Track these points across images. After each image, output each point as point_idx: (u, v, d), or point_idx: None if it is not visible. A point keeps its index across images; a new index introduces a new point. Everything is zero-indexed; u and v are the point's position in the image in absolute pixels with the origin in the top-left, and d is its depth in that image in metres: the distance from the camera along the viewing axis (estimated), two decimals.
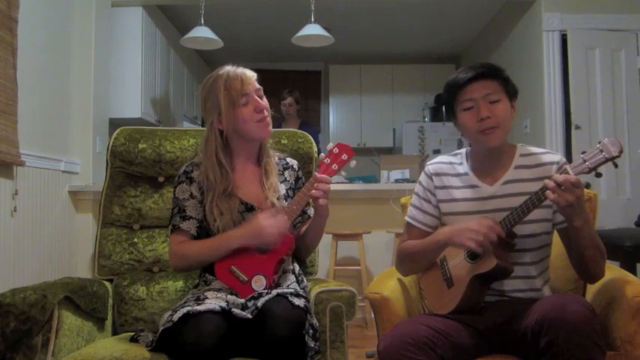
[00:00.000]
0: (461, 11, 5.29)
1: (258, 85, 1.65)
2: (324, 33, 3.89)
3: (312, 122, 6.15)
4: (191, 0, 4.27)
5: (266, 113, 1.64)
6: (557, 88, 4.14)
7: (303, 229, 1.69)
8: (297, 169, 1.78)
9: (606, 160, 1.25)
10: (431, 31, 5.90)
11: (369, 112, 6.84)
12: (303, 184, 1.68)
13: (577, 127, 4.00)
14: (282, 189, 1.69)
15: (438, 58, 6.84)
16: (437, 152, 5.76)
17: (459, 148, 1.66)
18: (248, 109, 1.60)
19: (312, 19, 3.91)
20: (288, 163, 1.77)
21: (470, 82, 1.46)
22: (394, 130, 6.68)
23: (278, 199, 1.63)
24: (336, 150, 1.55)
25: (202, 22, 4.01)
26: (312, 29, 3.87)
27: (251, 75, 1.64)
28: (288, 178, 1.74)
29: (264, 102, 1.65)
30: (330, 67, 6.90)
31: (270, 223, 1.50)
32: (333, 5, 4.72)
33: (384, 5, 5.07)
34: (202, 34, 3.95)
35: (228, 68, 1.64)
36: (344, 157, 1.54)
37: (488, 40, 5.66)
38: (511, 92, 1.49)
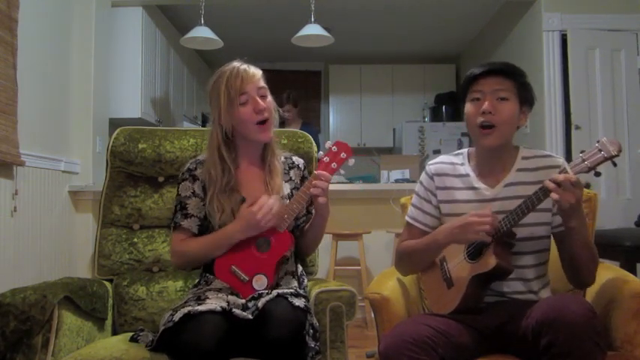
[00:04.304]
0: (461, 11, 5.29)
1: (261, 84, 1.60)
2: (324, 33, 3.89)
3: (312, 123, 6.14)
4: (191, 0, 4.27)
5: (266, 115, 1.58)
6: (557, 88, 4.13)
7: (307, 227, 1.68)
8: (302, 168, 1.75)
9: (605, 159, 1.25)
10: (431, 31, 5.90)
11: (369, 112, 6.84)
12: None
13: (577, 127, 3.99)
14: (287, 188, 1.67)
15: (438, 58, 6.84)
16: (437, 152, 5.75)
17: (459, 149, 1.66)
18: (247, 109, 1.56)
19: (312, 19, 3.91)
20: (294, 163, 1.74)
21: (484, 75, 1.45)
22: (394, 130, 6.67)
23: (281, 198, 1.62)
24: (334, 148, 1.54)
25: (202, 22, 4.01)
26: (312, 29, 3.87)
27: (253, 73, 1.59)
28: (293, 178, 1.71)
29: (267, 102, 1.59)
30: (330, 67, 6.90)
31: (262, 209, 1.49)
32: (333, 5, 4.72)
33: (383, 5, 5.07)
34: (202, 34, 3.95)
35: (234, 64, 1.60)
36: (343, 155, 1.53)
37: (488, 40, 5.65)
38: (524, 98, 1.47)
